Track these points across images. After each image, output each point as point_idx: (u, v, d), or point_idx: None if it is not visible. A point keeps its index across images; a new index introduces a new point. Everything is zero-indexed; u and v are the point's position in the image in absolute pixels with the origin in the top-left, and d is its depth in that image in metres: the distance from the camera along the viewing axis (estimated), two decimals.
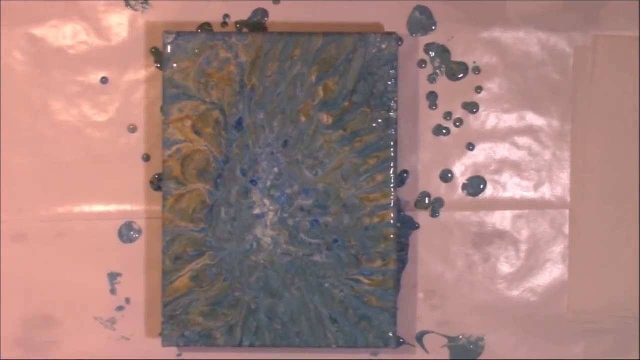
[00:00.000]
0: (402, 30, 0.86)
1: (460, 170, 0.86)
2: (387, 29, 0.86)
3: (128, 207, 0.86)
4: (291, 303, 0.82)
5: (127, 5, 0.87)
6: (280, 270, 0.82)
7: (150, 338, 0.86)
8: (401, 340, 0.86)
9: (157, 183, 0.86)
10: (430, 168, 0.86)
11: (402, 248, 0.86)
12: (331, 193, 0.82)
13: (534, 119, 0.86)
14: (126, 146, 0.86)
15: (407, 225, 0.86)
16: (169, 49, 0.82)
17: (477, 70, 0.86)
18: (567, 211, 0.86)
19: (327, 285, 0.82)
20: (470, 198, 0.86)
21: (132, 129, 0.86)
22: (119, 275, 0.86)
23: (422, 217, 0.86)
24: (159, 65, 0.86)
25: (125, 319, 0.86)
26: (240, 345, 0.82)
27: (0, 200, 0.86)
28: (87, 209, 0.86)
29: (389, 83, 0.82)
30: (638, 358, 0.85)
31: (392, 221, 0.82)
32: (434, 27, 0.86)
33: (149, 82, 0.86)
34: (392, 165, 0.82)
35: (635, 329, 0.85)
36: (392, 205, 0.82)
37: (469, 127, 0.86)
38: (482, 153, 0.86)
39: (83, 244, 0.86)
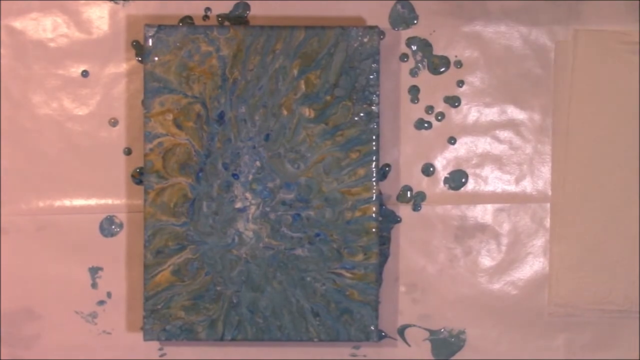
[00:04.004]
0: (384, 24, 0.86)
1: (442, 164, 0.86)
2: (369, 23, 0.86)
3: (109, 201, 0.86)
4: (273, 297, 0.82)
5: None
6: (262, 264, 0.82)
7: (132, 332, 0.86)
8: (383, 334, 0.86)
9: (138, 177, 0.86)
10: (412, 162, 0.86)
11: (384, 242, 0.86)
12: (313, 187, 0.82)
13: (515, 113, 0.86)
14: (107, 140, 0.86)
15: (389, 219, 0.86)
16: (150, 42, 0.82)
17: (458, 64, 0.86)
18: (548, 204, 0.86)
19: (308, 279, 0.82)
20: (451, 192, 0.86)
21: (113, 123, 0.86)
22: (100, 269, 0.86)
23: (404, 210, 0.86)
24: (140, 59, 0.86)
25: (106, 313, 0.86)
26: (221, 339, 0.82)
27: None
28: (67, 202, 0.86)
29: (371, 77, 0.82)
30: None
31: (373, 215, 0.82)
32: (415, 21, 0.86)
33: (130, 76, 0.86)
34: (374, 159, 0.82)
35: (615, 322, 0.86)
36: (373, 199, 0.82)
37: (451, 121, 0.86)
38: (463, 147, 0.86)
39: (64, 238, 0.86)
